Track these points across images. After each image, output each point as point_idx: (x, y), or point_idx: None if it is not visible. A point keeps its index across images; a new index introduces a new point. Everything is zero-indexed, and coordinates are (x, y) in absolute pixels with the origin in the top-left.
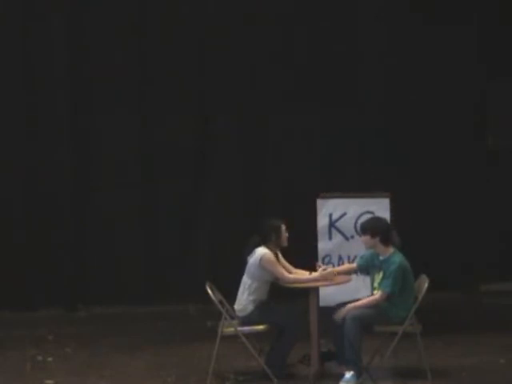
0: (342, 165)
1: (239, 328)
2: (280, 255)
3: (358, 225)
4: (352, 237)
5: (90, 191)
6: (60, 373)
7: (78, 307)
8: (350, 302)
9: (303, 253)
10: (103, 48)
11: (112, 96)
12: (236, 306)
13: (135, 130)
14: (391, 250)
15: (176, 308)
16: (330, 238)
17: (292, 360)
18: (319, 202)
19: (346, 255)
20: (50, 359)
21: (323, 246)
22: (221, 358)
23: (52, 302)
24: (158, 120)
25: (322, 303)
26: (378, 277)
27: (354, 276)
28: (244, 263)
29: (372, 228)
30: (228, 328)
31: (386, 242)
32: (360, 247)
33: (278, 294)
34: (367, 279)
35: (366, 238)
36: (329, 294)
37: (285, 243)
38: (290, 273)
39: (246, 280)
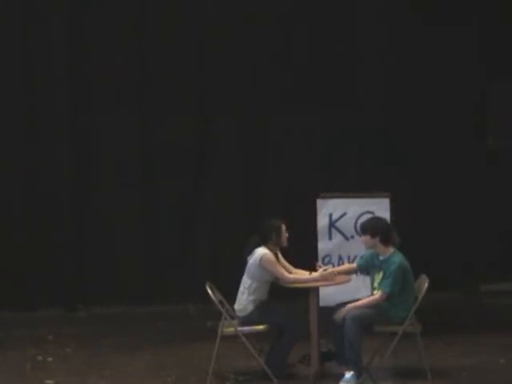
0: (342, 165)
1: (239, 328)
2: (280, 255)
3: (358, 225)
4: (352, 237)
5: (90, 191)
6: (60, 373)
7: (78, 307)
8: (349, 302)
9: (303, 253)
10: (103, 48)
11: (112, 96)
12: (236, 306)
13: (135, 130)
14: (391, 249)
15: (176, 308)
16: (330, 238)
17: (292, 360)
18: (319, 202)
19: (346, 255)
20: (50, 359)
21: (323, 246)
22: (221, 358)
23: (52, 302)
24: (158, 120)
25: (322, 303)
26: (378, 277)
27: (353, 276)
28: (244, 263)
29: (372, 228)
30: (228, 328)
31: (385, 242)
32: (360, 247)
33: (278, 293)
34: (367, 279)
35: (366, 238)
36: (329, 294)
37: (285, 243)
38: (290, 273)
39: (245, 280)
